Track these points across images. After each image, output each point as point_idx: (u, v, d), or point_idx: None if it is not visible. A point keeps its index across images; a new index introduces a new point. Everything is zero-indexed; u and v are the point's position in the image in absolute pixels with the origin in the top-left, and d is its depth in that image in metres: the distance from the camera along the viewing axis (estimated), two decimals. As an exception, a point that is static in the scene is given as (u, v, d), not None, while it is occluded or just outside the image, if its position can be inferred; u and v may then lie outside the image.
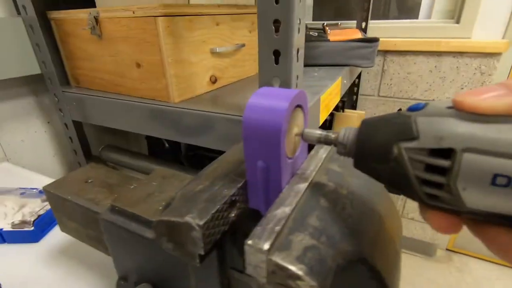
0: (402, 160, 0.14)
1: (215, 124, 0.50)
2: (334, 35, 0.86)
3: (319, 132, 0.18)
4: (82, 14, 0.56)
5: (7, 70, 0.62)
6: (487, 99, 0.12)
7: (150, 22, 0.48)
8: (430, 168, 0.13)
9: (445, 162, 0.13)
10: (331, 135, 0.17)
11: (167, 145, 0.89)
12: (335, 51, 0.82)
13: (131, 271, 0.30)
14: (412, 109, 0.14)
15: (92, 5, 0.59)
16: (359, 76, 1.20)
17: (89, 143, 0.75)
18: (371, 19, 1.18)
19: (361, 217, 0.17)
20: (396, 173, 0.14)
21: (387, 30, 1.19)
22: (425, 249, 1.48)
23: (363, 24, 1.13)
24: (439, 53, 1.11)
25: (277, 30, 0.38)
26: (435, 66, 1.12)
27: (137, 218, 0.26)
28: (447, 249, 1.51)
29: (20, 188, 0.51)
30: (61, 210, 0.34)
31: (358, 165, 0.16)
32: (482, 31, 1.07)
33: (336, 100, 0.74)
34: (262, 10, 0.38)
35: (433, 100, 1.17)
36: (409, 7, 1.39)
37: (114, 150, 0.75)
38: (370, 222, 0.18)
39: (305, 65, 0.90)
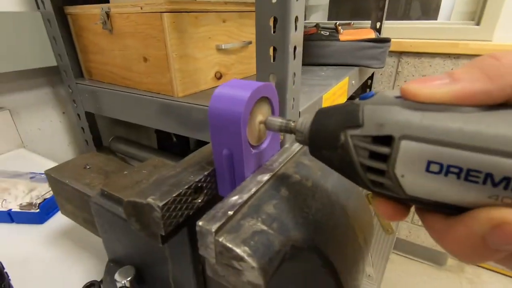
0: (348, 147, 0.14)
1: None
2: (345, 34, 0.85)
3: (280, 120, 0.18)
4: (95, 9, 0.59)
5: (26, 61, 0.65)
6: (429, 87, 0.12)
7: (156, 18, 0.50)
8: (373, 155, 0.13)
9: (385, 149, 0.13)
10: (291, 123, 0.18)
11: (174, 139, 0.91)
12: (344, 51, 0.82)
13: (119, 254, 0.31)
14: (363, 97, 0.15)
15: (106, 1, 0.61)
16: (371, 77, 1.18)
17: (101, 134, 0.78)
18: (390, 19, 1.16)
19: (321, 209, 0.18)
20: (343, 160, 0.14)
21: (404, 31, 1.16)
22: (435, 258, 1.44)
23: (378, 24, 1.11)
24: (456, 56, 1.07)
25: (274, 28, 0.39)
26: (452, 69, 1.08)
27: (123, 203, 0.27)
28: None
29: (30, 173, 0.54)
30: (60, 193, 0.37)
31: (312, 152, 0.16)
32: (504, 34, 1.02)
33: (342, 100, 0.74)
34: (259, 7, 0.38)
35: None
36: (428, 8, 1.35)
37: (122, 142, 0.78)
38: (330, 214, 0.18)
39: (314, 64, 0.90)
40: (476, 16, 1.08)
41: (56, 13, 0.63)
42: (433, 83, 0.12)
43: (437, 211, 0.13)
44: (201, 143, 0.99)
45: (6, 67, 0.62)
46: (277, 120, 0.19)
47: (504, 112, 0.11)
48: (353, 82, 0.81)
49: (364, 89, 1.23)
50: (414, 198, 0.13)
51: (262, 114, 0.19)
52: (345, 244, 0.18)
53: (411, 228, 1.44)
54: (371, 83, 1.20)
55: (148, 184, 0.18)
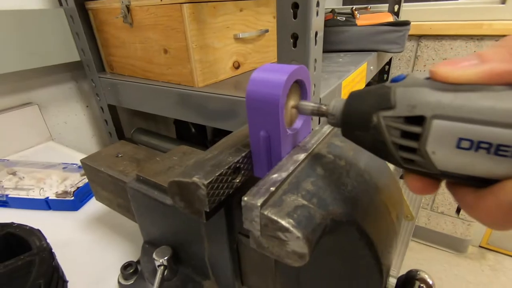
0: (381, 127, 0.15)
1: (238, 108, 0.52)
2: (362, 19, 0.83)
3: (312, 104, 0.19)
4: (115, 3, 0.60)
5: (52, 57, 0.68)
6: (458, 69, 0.13)
7: (176, 9, 0.51)
8: (405, 134, 0.14)
9: (417, 128, 0.14)
10: (323, 107, 0.18)
11: (193, 129, 0.93)
12: (362, 36, 0.80)
13: (154, 236, 0.33)
14: (394, 80, 0.15)
15: (125, -6, 0.62)
16: (389, 62, 1.16)
17: (122, 126, 0.80)
18: (408, 2, 1.12)
19: (356, 186, 0.18)
20: (376, 140, 0.15)
21: (423, 13, 1.12)
22: (455, 245, 1.42)
23: (396, 7, 1.08)
24: (480, 37, 1.03)
25: (295, 14, 0.39)
26: (475, 51, 1.05)
27: (158, 187, 0.29)
28: (480, 246, 1.43)
29: (63, 163, 0.57)
30: (95, 181, 0.39)
31: (345, 133, 0.17)
32: (532, 12, 0.97)
33: (360, 86, 0.73)
34: (280, -7, 0.38)
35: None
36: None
37: (144, 133, 0.80)
38: (364, 191, 0.19)
39: (331, 51, 0.89)
40: (501, -6, 1.03)
41: (78, 9, 0.65)
42: (462, 65, 0.13)
43: (467, 184, 0.14)
44: (218, 133, 1.00)
45: (33, 63, 0.65)
46: (309, 104, 0.19)
47: None
48: (372, 67, 0.80)
49: (382, 75, 1.20)
50: (445, 173, 0.14)
51: (293, 99, 0.20)
52: (379, 219, 0.19)
53: (430, 215, 1.43)
54: (389, 69, 1.18)
55: (189, 165, 0.19)
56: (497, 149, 0.12)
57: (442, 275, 1.33)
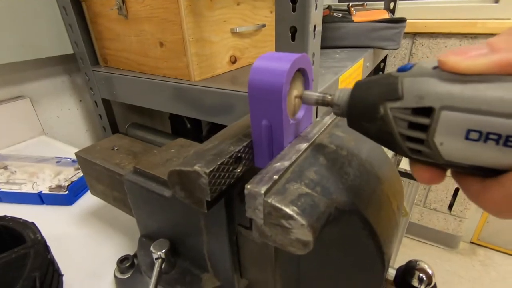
0: (388, 119, 0.15)
1: (235, 103, 0.51)
2: (359, 16, 0.84)
3: (317, 94, 0.19)
4: (110, -5, 0.59)
5: (44, 50, 0.66)
6: (467, 59, 0.12)
7: (172, 1, 0.50)
8: (412, 126, 0.14)
9: (425, 119, 0.13)
10: (328, 96, 0.18)
11: (188, 125, 0.92)
12: (358, 33, 0.80)
13: (151, 229, 0.33)
14: (400, 69, 0.15)
15: (120, -14, 0.61)
16: (384, 60, 1.16)
17: (117, 121, 0.79)
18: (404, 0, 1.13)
19: (358, 175, 0.18)
20: (382, 131, 0.15)
21: (418, 11, 1.13)
22: (447, 241, 1.45)
23: (392, 5, 1.08)
24: (473, 35, 1.04)
25: (294, 7, 0.38)
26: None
27: (156, 179, 0.29)
28: (471, 242, 1.46)
29: (56, 157, 0.56)
30: (91, 174, 0.38)
31: (350, 124, 0.17)
32: (524, 11, 0.99)
33: (356, 82, 0.73)
34: (279, -14, 0.38)
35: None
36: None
37: (139, 128, 0.79)
38: (366, 181, 0.19)
39: (328, 47, 0.89)
40: (495, -7, 1.04)
41: (71, 0, 0.63)
42: (471, 54, 0.13)
43: (474, 174, 0.14)
44: (213, 128, 1.00)
45: (25, 56, 0.64)
46: (314, 94, 0.19)
47: None
48: (368, 64, 0.80)
49: (377, 72, 1.21)
50: (452, 163, 0.14)
51: (296, 88, 0.20)
52: (382, 209, 0.19)
53: (423, 211, 1.45)
54: (384, 66, 1.18)
55: (190, 155, 0.19)
56: (506, 140, 0.12)
57: (434, 270, 1.35)
